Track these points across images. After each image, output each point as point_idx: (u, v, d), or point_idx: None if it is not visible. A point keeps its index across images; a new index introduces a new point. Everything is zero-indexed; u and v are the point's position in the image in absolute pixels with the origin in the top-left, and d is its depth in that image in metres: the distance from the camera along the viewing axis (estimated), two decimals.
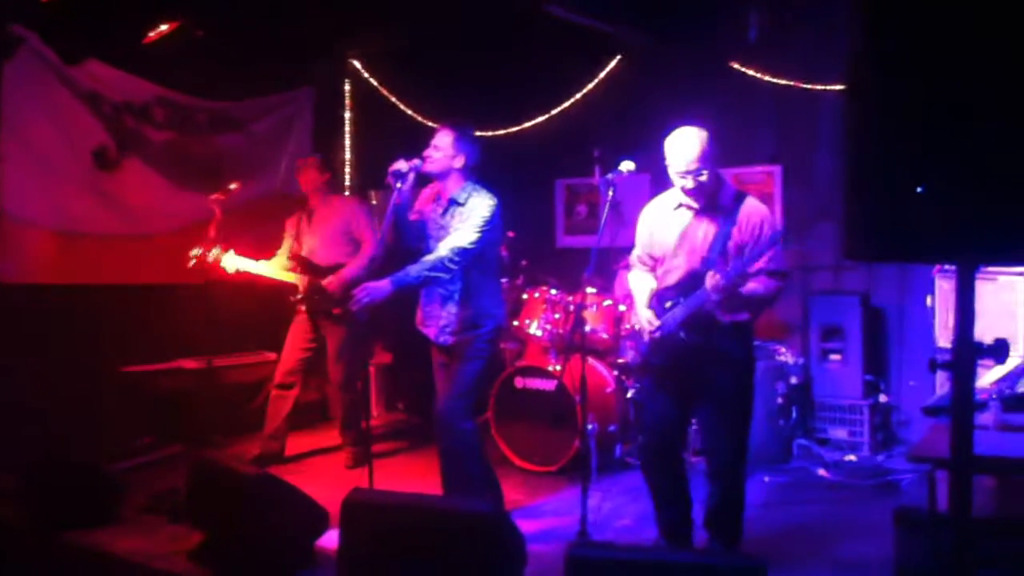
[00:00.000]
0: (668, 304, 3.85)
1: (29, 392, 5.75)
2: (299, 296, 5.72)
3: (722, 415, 3.88)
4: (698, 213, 3.85)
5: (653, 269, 4.07)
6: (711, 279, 3.61)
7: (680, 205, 3.91)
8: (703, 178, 3.72)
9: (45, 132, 5.87)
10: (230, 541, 4.06)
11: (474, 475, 4.46)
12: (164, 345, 6.52)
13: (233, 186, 5.25)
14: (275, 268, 5.72)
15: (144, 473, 5.72)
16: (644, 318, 3.94)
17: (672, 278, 3.90)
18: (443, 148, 4.36)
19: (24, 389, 5.73)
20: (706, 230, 3.81)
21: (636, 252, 4.16)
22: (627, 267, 4.32)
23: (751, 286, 3.70)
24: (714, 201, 3.81)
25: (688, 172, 3.71)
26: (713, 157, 3.74)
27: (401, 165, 4.22)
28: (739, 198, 3.83)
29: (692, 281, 3.77)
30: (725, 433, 3.90)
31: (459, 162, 4.38)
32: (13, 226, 5.70)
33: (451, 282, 4.38)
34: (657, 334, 3.85)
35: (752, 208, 3.79)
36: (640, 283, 4.09)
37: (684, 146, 3.71)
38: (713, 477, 3.97)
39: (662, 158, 3.84)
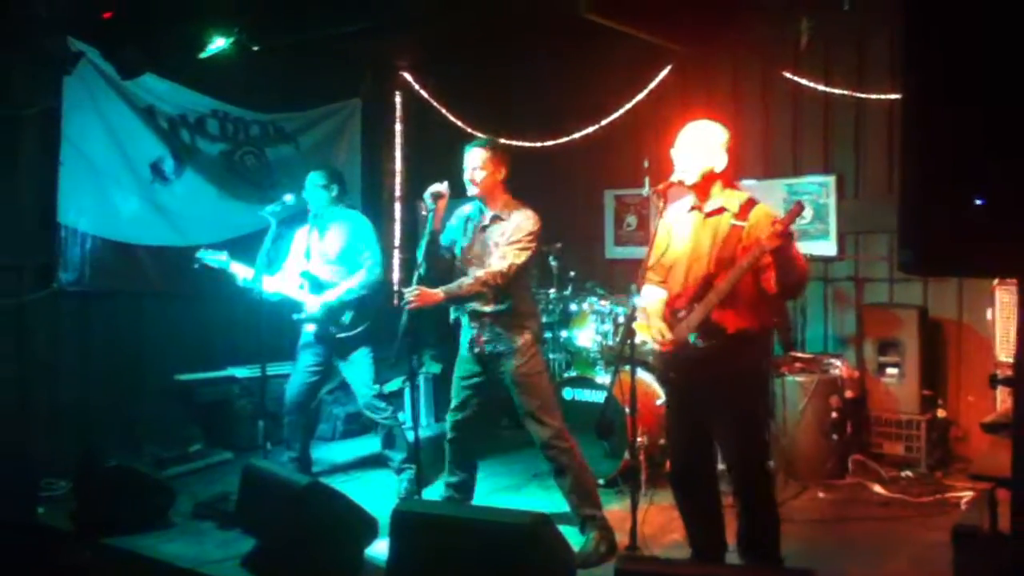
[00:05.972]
0: (680, 314, 3.70)
1: (81, 398, 5.89)
2: None
3: (732, 430, 3.72)
4: (708, 216, 3.71)
5: (665, 282, 3.90)
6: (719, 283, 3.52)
7: (692, 208, 3.79)
8: (694, 165, 3.64)
9: (103, 146, 6.03)
10: (281, 549, 4.09)
11: None
12: (216, 353, 6.63)
13: (288, 197, 5.30)
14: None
15: (193, 479, 5.81)
16: (656, 329, 3.78)
17: (679, 285, 3.75)
18: (483, 166, 4.38)
19: (76, 395, 5.87)
20: (716, 232, 3.67)
21: (649, 262, 3.89)
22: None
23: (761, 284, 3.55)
24: (720, 203, 3.68)
25: (680, 156, 3.67)
26: (716, 153, 3.65)
27: (441, 188, 4.30)
28: (751, 205, 3.67)
29: (704, 285, 3.62)
30: (737, 449, 3.75)
31: (501, 175, 4.43)
32: (71, 236, 5.85)
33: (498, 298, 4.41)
34: (671, 347, 3.72)
35: (764, 212, 3.63)
36: (653, 296, 3.92)
37: (692, 133, 3.69)
38: (735, 496, 3.80)
39: None
